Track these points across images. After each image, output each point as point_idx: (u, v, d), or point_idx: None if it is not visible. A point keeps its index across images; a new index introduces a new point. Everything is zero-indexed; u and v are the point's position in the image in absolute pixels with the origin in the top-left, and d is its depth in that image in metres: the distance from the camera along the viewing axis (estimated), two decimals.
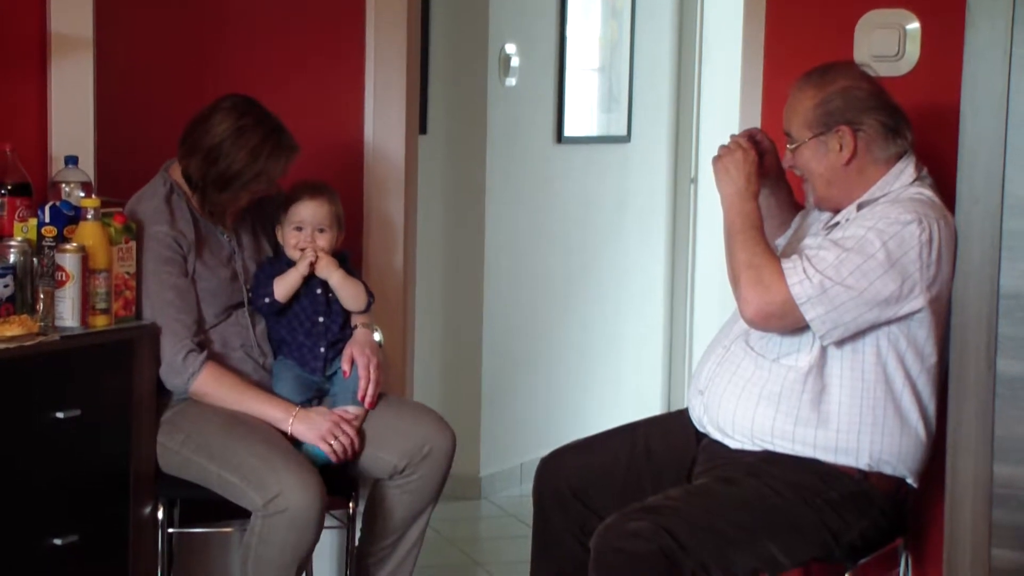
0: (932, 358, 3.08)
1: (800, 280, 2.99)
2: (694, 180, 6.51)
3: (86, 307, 3.35)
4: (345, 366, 3.57)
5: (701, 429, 3.23)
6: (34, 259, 3.34)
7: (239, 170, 3.47)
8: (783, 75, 3.46)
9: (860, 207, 3.11)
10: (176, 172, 3.58)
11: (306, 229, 3.58)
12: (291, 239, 3.60)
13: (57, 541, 3.27)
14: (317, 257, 3.57)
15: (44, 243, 3.35)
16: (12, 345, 3.14)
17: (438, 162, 5.29)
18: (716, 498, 3.01)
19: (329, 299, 3.62)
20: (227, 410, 3.46)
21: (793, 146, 3.16)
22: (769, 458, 3.08)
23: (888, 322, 3.03)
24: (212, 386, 3.46)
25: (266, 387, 3.55)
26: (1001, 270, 2.65)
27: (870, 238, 3.00)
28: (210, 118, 3.50)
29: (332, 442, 3.45)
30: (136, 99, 3.91)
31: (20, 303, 3.31)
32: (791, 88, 3.19)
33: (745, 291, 3.04)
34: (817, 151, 3.13)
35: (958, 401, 2.71)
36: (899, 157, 3.13)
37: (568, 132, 5.73)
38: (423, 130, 4.83)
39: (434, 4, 5.19)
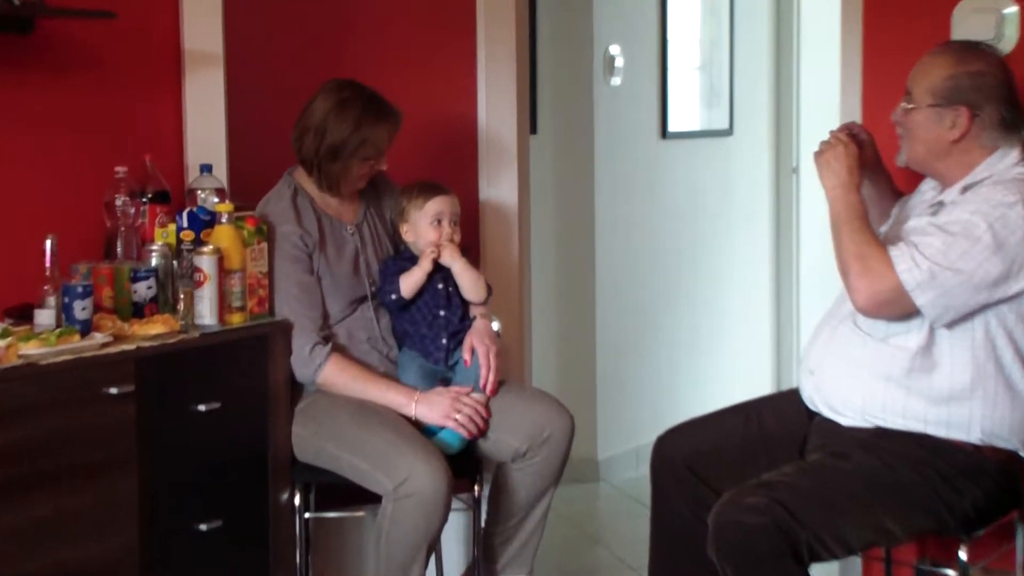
0: None
1: (909, 267, 2.95)
2: (795, 170, 6.47)
3: (223, 305, 3.39)
4: (466, 355, 3.57)
5: (812, 408, 3.20)
6: (174, 262, 3.38)
7: (345, 139, 3.51)
8: (882, 66, 3.42)
9: (964, 190, 3.05)
10: (299, 175, 3.62)
11: (445, 221, 3.60)
12: (431, 234, 3.59)
13: (202, 527, 3.31)
14: (441, 247, 3.58)
15: (183, 247, 3.39)
16: (156, 343, 3.18)
17: (548, 161, 5.28)
18: (829, 472, 2.99)
19: (449, 293, 3.62)
20: (356, 399, 3.47)
21: (910, 106, 3.10)
22: (881, 434, 3.05)
23: (998, 302, 2.98)
24: (337, 376, 3.48)
25: (392, 378, 3.55)
26: None
27: (975, 221, 2.95)
28: (314, 100, 3.56)
29: (456, 416, 3.45)
30: (263, 108, 3.95)
31: (163, 303, 3.36)
32: (928, 52, 3.12)
33: (855, 281, 3.01)
34: (930, 118, 3.07)
35: None
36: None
37: (672, 128, 5.71)
38: (533, 130, 4.83)
39: (540, 9, 5.19)
